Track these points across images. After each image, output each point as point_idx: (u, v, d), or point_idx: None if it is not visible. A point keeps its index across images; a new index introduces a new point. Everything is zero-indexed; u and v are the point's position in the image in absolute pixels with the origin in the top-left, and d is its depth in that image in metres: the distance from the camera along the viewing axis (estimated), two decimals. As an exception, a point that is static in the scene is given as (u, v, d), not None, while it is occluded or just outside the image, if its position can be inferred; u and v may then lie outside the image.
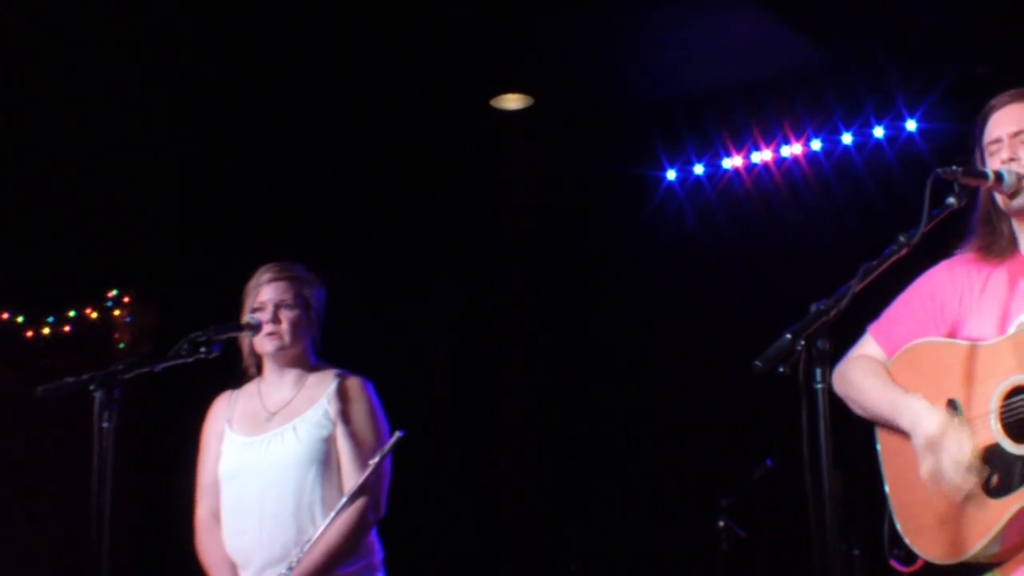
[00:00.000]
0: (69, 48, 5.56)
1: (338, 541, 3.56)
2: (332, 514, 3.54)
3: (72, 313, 8.10)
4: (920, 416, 2.79)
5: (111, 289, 8.05)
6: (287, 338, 3.74)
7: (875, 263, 2.62)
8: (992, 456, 2.71)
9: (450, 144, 6.74)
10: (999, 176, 2.78)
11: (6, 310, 8.03)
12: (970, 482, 2.69)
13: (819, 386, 2.46)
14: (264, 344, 3.75)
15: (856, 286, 2.54)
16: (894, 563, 2.83)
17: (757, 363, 2.45)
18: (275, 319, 3.73)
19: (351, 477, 3.64)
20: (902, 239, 2.65)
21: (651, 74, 6.20)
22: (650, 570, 6.53)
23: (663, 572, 6.49)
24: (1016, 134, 2.86)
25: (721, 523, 5.45)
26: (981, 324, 2.85)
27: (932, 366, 2.87)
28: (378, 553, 3.74)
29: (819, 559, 2.44)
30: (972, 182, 2.76)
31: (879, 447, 2.96)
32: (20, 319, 8.07)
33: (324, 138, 6.53)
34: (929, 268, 3.04)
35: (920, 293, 3.02)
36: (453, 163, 6.94)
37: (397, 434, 3.59)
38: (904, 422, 2.83)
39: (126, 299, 8.05)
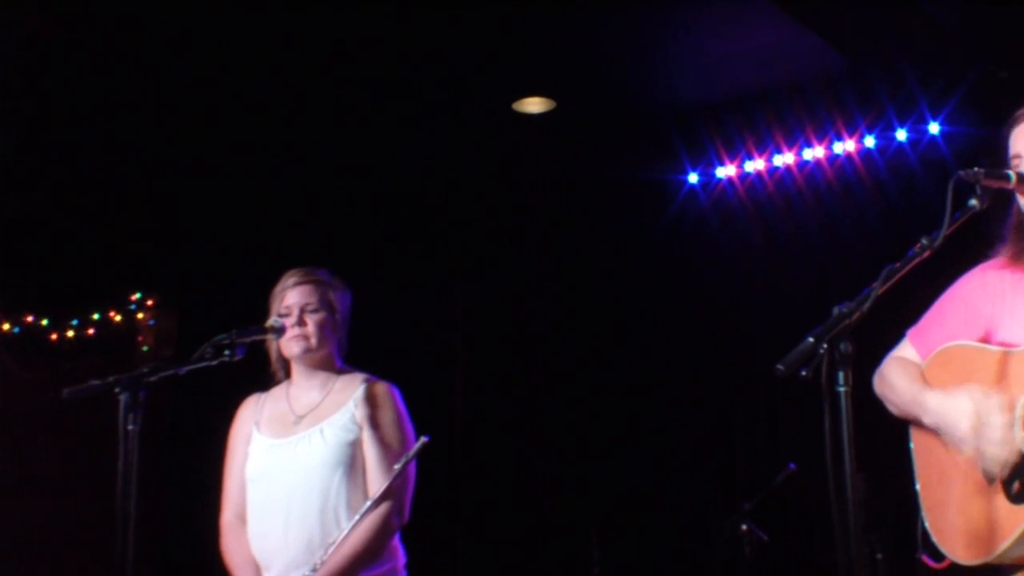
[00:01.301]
0: (87, 57, 5.59)
1: (362, 545, 3.57)
2: (357, 517, 3.55)
3: (96, 316, 8.16)
4: (944, 414, 2.78)
5: (134, 292, 8.10)
6: (313, 341, 3.77)
7: (898, 265, 2.61)
8: (1017, 463, 2.70)
9: (472, 147, 6.75)
10: (1021, 177, 2.77)
11: (31, 313, 8.08)
12: (1012, 452, 2.67)
13: (842, 389, 2.45)
14: (291, 347, 3.78)
15: (879, 289, 2.53)
16: (925, 558, 2.86)
17: (779, 367, 2.45)
18: (300, 322, 3.76)
19: (376, 481, 3.65)
20: (924, 242, 2.65)
21: (672, 78, 6.19)
22: (672, 574, 6.52)
23: (685, 576, 6.50)
24: None
25: (744, 527, 5.43)
26: (1013, 330, 2.84)
27: (963, 369, 2.86)
28: (401, 557, 3.76)
29: (842, 563, 2.43)
30: (995, 184, 2.75)
31: (912, 445, 2.95)
32: (45, 322, 8.13)
33: (344, 142, 6.55)
34: (954, 270, 3.04)
35: (954, 298, 3.02)
36: (475, 166, 6.95)
37: (422, 439, 3.59)
38: (927, 420, 2.83)
39: (149, 302, 8.10)
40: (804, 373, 2.44)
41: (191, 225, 7.37)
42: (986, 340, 2.88)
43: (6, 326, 8.06)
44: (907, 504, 2.94)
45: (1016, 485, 2.70)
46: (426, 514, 3.88)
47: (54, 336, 8.12)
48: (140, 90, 5.91)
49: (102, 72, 5.73)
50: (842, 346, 2.45)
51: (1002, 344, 2.83)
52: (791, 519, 5.88)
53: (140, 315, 8.12)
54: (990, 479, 2.73)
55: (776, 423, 6.30)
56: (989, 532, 2.72)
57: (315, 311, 3.79)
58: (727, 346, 6.61)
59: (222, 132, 6.34)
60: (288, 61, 5.76)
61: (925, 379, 2.93)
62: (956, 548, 2.79)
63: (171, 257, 7.76)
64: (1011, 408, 2.71)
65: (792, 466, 5.38)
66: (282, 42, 5.61)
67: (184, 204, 7.15)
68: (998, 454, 2.70)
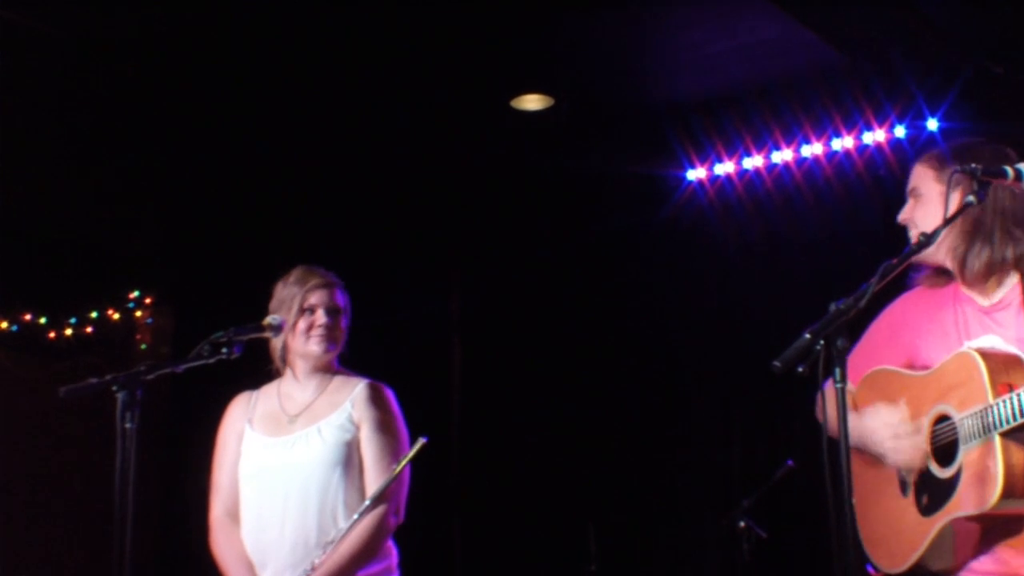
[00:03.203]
0: (82, 55, 5.59)
1: (359, 544, 3.58)
2: (355, 516, 3.57)
3: (94, 314, 8.15)
4: (861, 434, 2.92)
5: (133, 290, 8.09)
6: (340, 343, 3.83)
7: (895, 261, 2.62)
8: (925, 478, 2.85)
9: (470, 145, 6.75)
10: (1019, 173, 2.76)
11: (29, 311, 8.07)
12: (912, 447, 2.85)
13: (838, 386, 2.46)
14: (313, 346, 3.78)
15: (876, 285, 2.54)
16: (869, 568, 3.02)
17: (776, 363, 2.45)
18: (331, 324, 3.78)
19: (373, 481, 3.66)
20: (923, 238, 2.66)
21: (670, 74, 6.19)
22: (670, 571, 6.52)
23: (684, 573, 6.49)
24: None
25: (742, 523, 5.43)
26: (928, 354, 2.93)
27: (886, 392, 2.99)
28: (395, 556, 3.78)
29: (839, 559, 2.44)
30: (992, 179, 2.75)
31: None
32: (43, 320, 8.11)
33: (342, 140, 6.54)
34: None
35: (881, 325, 3.12)
36: (473, 163, 6.94)
37: (420, 440, 3.60)
38: (852, 442, 2.91)
39: (148, 300, 8.10)
40: (801, 369, 2.45)
41: (189, 223, 7.36)
42: (910, 365, 2.98)
43: (4, 324, 8.04)
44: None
45: (924, 499, 2.83)
46: (424, 511, 3.88)
47: (52, 334, 8.10)
48: (138, 89, 5.90)
49: (99, 70, 5.72)
50: (839, 342, 2.46)
51: (923, 367, 2.93)
52: (790, 516, 5.88)
53: (138, 313, 8.11)
54: (904, 484, 2.88)
55: (775, 420, 6.29)
56: (905, 543, 2.87)
57: (341, 313, 3.84)
58: (725, 342, 6.60)
59: (219, 131, 6.33)
60: (284, 59, 5.75)
61: (855, 402, 3.05)
62: (881, 558, 2.96)
63: (169, 255, 7.75)
64: (918, 423, 2.85)
65: (790, 463, 5.38)
66: (277, 40, 5.61)
67: (182, 202, 7.14)
68: (911, 460, 2.85)
